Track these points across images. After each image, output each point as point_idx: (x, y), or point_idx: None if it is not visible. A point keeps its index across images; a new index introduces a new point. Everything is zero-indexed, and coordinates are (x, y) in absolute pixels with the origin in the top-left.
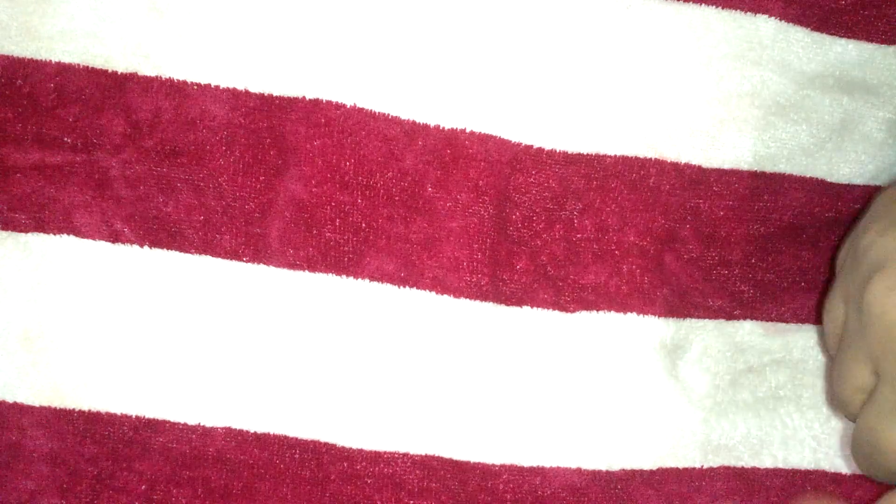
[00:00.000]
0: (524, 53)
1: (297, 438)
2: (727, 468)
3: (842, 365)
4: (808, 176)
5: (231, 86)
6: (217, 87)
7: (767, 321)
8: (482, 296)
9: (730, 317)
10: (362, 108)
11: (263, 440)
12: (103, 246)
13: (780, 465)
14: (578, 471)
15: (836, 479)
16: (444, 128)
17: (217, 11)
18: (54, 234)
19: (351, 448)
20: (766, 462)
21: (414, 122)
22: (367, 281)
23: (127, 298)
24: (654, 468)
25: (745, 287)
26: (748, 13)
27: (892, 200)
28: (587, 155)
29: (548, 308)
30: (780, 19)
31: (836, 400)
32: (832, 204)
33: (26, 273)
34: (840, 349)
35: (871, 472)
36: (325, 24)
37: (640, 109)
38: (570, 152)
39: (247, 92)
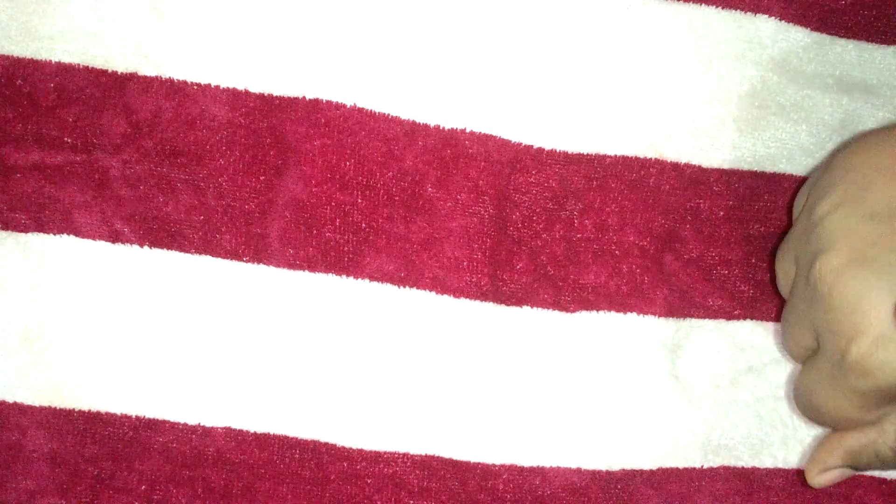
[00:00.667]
0: (524, 53)
1: (297, 438)
2: (727, 468)
3: (789, 324)
4: (808, 176)
5: (231, 86)
6: (217, 87)
7: (767, 321)
8: (482, 296)
9: (730, 317)
10: (362, 108)
11: (263, 440)
12: (103, 246)
13: (780, 465)
14: (578, 471)
15: None
16: (444, 128)
17: (217, 11)
18: (54, 234)
19: (351, 448)
20: (766, 462)
21: (414, 122)
22: (367, 281)
23: (127, 298)
24: (654, 468)
25: (745, 287)
26: (748, 13)
27: (850, 166)
28: (587, 155)
29: (548, 308)
30: (780, 19)
31: (785, 348)
32: None
33: (26, 273)
34: (788, 308)
35: (806, 418)
36: (324, 24)
37: (640, 109)
38: (570, 152)
39: (247, 92)
